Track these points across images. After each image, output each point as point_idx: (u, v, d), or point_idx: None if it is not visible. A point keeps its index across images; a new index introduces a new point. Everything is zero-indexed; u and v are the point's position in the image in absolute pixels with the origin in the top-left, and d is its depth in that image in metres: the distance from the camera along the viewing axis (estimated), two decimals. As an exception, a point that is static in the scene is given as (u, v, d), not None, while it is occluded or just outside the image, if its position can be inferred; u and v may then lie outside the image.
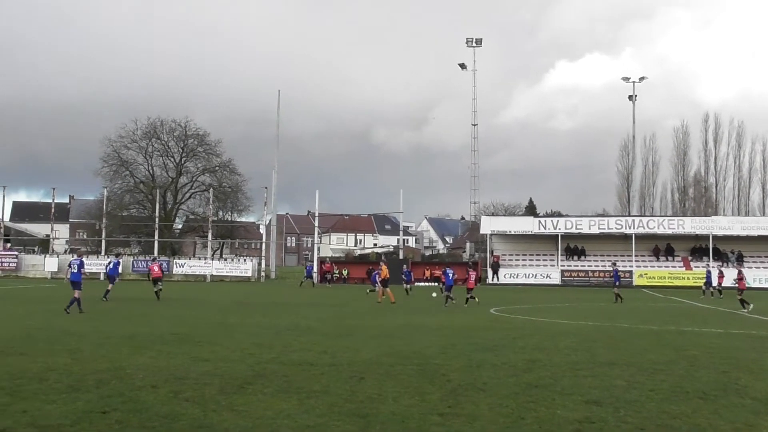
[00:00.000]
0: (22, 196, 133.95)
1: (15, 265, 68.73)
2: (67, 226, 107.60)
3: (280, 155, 75.89)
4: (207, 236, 75.48)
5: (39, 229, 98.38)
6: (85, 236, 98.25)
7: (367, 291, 41.89)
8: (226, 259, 73.84)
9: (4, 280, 63.02)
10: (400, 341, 17.01)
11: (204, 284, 60.80)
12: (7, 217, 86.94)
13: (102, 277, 60.65)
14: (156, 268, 35.63)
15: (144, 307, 28.77)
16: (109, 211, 76.45)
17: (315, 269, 62.36)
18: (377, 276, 37.72)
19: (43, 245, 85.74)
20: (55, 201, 78.48)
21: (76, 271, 25.24)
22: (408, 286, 45.56)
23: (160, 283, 34.81)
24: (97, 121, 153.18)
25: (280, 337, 17.64)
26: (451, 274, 33.20)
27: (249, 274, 67.78)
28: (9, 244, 79.64)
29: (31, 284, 54.16)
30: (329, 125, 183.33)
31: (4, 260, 69.90)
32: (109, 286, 33.14)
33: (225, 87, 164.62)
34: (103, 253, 71.07)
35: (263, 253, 74.70)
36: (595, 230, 67.49)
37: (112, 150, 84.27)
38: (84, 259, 25.83)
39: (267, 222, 79.49)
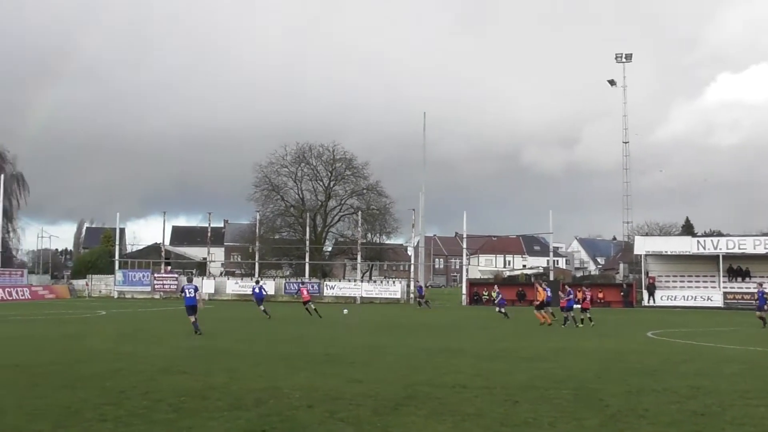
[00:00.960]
0: (182, 221, 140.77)
1: (176, 287, 72.17)
2: (223, 249, 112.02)
3: (427, 177, 76.36)
4: (356, 258, 76.73)
5: (196, 253, 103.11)
6: (239, 259, 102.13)
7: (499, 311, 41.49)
8: (375, 281, 74.82)
9: (166, 301, 66.36)
10: (553, 364, 16.70)
11: (353, 306, 61.78)
12: (167, 241, 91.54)
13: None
14: (305, 292, 37.57)
15: (297, 328, 29.51)
16: (262, 234, 79.08)
17: (464, 290, 62.04)
18: (503, 301, 39.68)
19: (201, 268, 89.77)
20: (211, 225, 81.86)
21: (191, 295, 25.57)
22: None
23: (310, 304, 36.67)
24: (249, 148, 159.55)
25: (431, 358, 17.68)
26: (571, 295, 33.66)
27: (398, 295, 68.37)
28: (170, 267, 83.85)
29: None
30: (477, 145, 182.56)
31: (165, 282, 73.58)
32: (261, 307, 35.72)
33: (373, 110, 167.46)
34: (256, 274, 73.60)
35: (412, 275, 75.26)
36: (761, 250, 64.00)
37: (263, 175, 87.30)
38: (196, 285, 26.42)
39: (415, 244, 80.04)
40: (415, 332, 28.08)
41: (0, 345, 19.85)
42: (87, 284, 77.20)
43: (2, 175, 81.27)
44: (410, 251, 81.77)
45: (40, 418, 9.46)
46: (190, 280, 27.85)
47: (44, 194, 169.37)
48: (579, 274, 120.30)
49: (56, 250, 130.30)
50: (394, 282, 72.35)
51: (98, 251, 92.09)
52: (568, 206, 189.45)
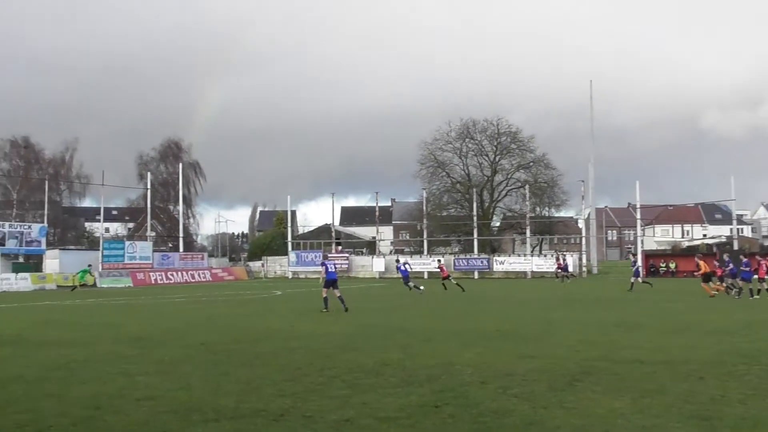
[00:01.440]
0: (350, 202, 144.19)
1: (347, 266, 73.95)
2: (391, 227, 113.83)
3: (596, 147, 74.37)
4: (525, 233, 75.85)
5: (365, 232, 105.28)
6: (407, 237, 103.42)
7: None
8: (545, 255, 73.74)
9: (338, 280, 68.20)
10: (741, 338, 15.85)
11: (524, 281, 61.20)
12: (337, 222, 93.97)
13: (426, 275, 63.49)
14: (444, 269, 41.68)
15: (467, 304, 29.54)
16: (429, 211, 79.63)
17: (640, 264, 60.10)
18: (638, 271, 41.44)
19: (370, 247, 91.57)
20: (379, 204, 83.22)
21: (333, 270, 26.28)
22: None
23: (450, 280, 40.18)
24: (414, 126, 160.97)
25: (606, 333, 17.22)
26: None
27: (570, 269, 67.13)
28: (340, 247, 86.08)
29: (362, 284, 57.97)
30: (648, 113, 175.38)
31: (337, 262, 75.62)
32: (410, 284, 37.67)
33: (538, 83, 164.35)
34: (425, 252, 74.23)
35: (583, 248, 73.63)
36: None
37: (429, 152, 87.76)
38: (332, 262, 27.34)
39: (586, 216, 78.23)
40: (588, 306, 27.45)
41: (186, 325, 21.00)
42: (263, 265, 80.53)
43: (180, 164, 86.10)
44: (581, 224, 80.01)
45: (223, 394, 9.92)
46: (325, 257, 28.43)
47: (219, 180, 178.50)
48: None
49: (233, 233, 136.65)
50: (565, 256, 71.00)
51: (272, 233, 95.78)
52: (752, 171, 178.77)
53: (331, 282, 25.84)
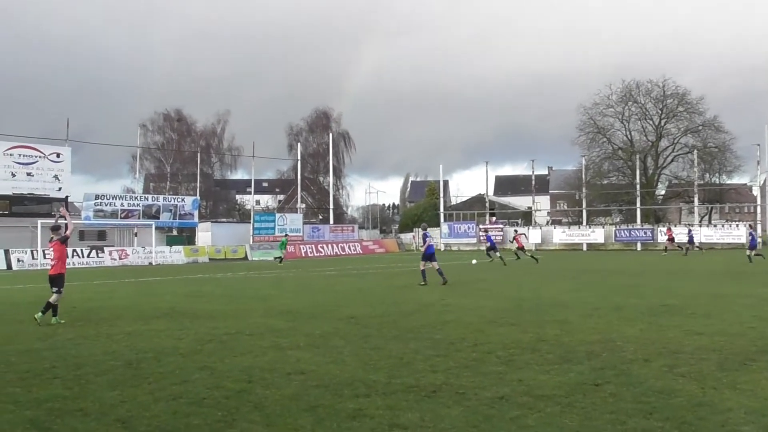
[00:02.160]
0: (506, 170, 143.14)
1: (501, 237, 73.54)
2: (548, 197, 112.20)
3: (775, 106, 70.24)
4: (692, 201, 73.00)
5: (520, 202, 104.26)
6: (565, 207, 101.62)
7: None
8: (715, 226, 70.73)
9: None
10: None
11: (691, 252, 58.94)
12: (491, 192, 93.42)
13: (585, 247, 62.28)
14: (521, 239, 44.03)
15: (628, 278, 28.76)
16: (588, 180, 77.89)
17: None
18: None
19: (526, 217, 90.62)
20: (535, 173, 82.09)
21: (432, 243, 27.18)
22: None
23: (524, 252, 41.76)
24: (572, 90, 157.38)
25: (786, 309, 16.36)
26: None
27: (742, 240, 64.06)
28: (494, 218, 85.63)
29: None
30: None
31: (492, 234, 75.31)
32: (497, 253, 40.96)
33: (712, 40, 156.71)
34: (584, 222, 72.77)
35: (758, 218, 70.09)
36: None
37: (588, 117, 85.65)
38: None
39: (761, 183, 74.37)
40: (764, 280, 26.13)
41: (337, 298, 21.48)
42: (414, 237, 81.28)
43: (330, 134, 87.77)
44: (755, 191, 76.13)
45: (374, 369, 10.09)
46: (425, 228, 28.65)
47: (370, 150, 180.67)
48: None
49: (383, 205, 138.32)
50: (737, 225, 67.86)
51: (423, 204, 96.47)
52: None
53: (428, 256, 26.70)
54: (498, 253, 41.53)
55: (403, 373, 9.74)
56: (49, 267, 16.58)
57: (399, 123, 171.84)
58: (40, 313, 15.87)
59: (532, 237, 71.80)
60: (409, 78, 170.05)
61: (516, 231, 53.98)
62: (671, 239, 55.72)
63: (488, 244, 46.79)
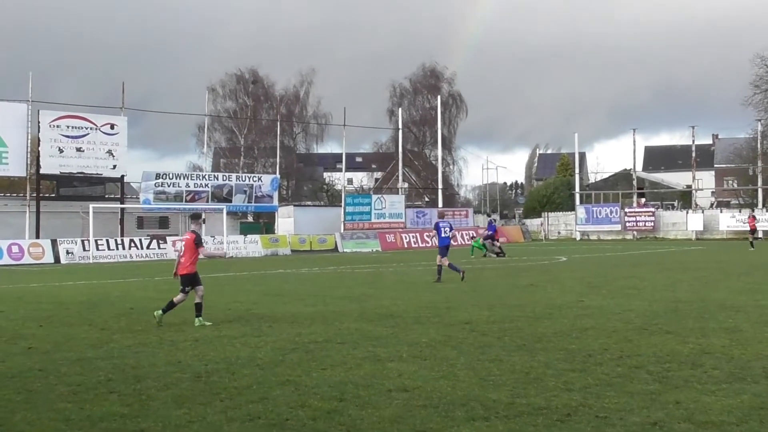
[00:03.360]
0: (661, 140, 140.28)
1: (652, 224, 72.28)
2: (712, 173, 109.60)
3: None
4: None
5: (677, 179, 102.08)
6: (735, 185, 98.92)
7: None
8: None
9: (641, 242, 66.87)
10: None
11: None
12: (639, 167, 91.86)
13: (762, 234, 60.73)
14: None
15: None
16: (765, 150, 75.72)
17: None
18: None
19: (684, 198, 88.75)
20: (696, 143, 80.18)
21: (446, 235, 28.61)
22: None
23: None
24: (747, 39, 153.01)
25: None
26: None
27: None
28: (644, 199, 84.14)
29: (672, 246, 56.47)
30: None
31: (639, 219, 74.02)
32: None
33: None
34: (759, 205, 70.78)
35: None
36: None
37: (765, 71, 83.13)
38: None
39: None
40: None
41: (447, 299, 21.49)
42: (542, 224, 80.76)
43: (438, 97, 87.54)
44: None
45: (494, 386, 10.07)
46: (441, 216, 28.93)
47: (489, 117, 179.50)
48: None
49: (504, 183, 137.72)
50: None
51: (554, 183, 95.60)
52: None
53: (444, 249, 28.35)
54: (498, 243, 42.99)
55: (530, 392, 9.70)
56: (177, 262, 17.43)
57: (527, 83, 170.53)
58: (197, 319, 16.91)
59: (692, 223, 70.29)
60: (542, 26, 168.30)
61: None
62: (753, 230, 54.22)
63: (489, 232, 48.22)
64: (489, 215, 53.97)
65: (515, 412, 8.79)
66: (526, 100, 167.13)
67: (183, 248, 17.28)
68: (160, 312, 16.92)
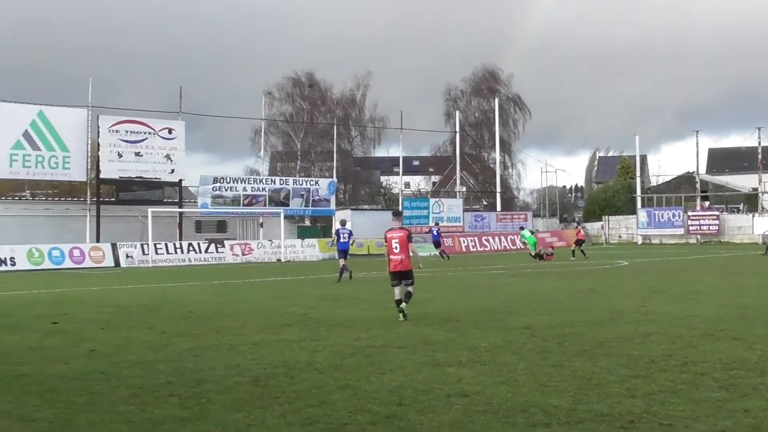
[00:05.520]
0: (728, 141, 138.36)
1: (716, 228, 71.41)
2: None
3: None
4: None
5: (742, 182, 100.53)
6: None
7: None
8: None
9: (704, 247, 66.06)
10: None
11: None
12: (702, 169, 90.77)
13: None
14: None
15: None
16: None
17: None
18: None
19: (750, 202, 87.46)
20: (763, 144, 78.90)
21: (345, 240, 32.59)
22: None
23: None
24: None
25: None
26: None
27: None
28: (707, 203, 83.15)
29: (738, 251, 55.73)
30: None
31: (702, 222, 73.18)
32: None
33: None
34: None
35: None
36: None
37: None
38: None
39: None
40: None
41: (507, 303, 21.44)
42: (602, 227, 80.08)
43: (496, 99, 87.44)
44: None
45: (555, 392, 9.99)
46: (343, 224, 33.59)
47: (549, 120, 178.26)
48: None
49: (564, 187, 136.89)
50: None
51: (614, 186, 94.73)
52: None
53: (341, 252, 32.66)
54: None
55: (592, 398, 9.62)
56: (387, 260, 18.45)
57: (592, 85, 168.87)
58: (404, 305, 17.99)
59: (759, 226, 69.32)
60: (602, 26, 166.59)
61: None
62: None
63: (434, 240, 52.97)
64: (437, 224, 56.93)
65: (577, 418, 8.72)
66: (591, 102, 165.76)
67: (398, 245, 18.07)
68: (402, 313, 17.84)
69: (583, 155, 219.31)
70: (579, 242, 49.61)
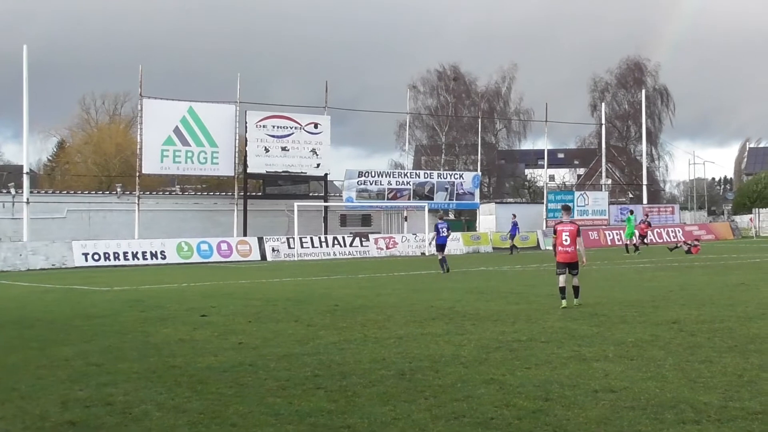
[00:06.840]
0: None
1: None
2: None
3: None
4: None
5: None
6: None
7: None
8: None
9: None
10: None
11: None
12: None
13: None
14: None
15: None
16: None
17: None
18: None
19: None
20: None
21: (444, 234, 34.65)
22: None
23: None
24: None
25: None
26: None
27: None
28: None
29: None
30: None
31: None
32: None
33: None
34: None
35: None
36: None
37: None
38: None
39: None
40: None
41: (654, 297, 21.11)
42: (752, 220, 77.81)
43: (643, 91, 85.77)
44: None
45: (705, 388, 9.83)
46: (441, 218, 33.11)
47: (699, 110, 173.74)
48: None
49: (712, 179, 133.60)
50: None
51: (765, 178, 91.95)
52: None
53: (439, 246, 34.66)
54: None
55: (744, 395, 9.42)
56: (554, 251, 19.74)
57: (743, 74, 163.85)
58: (574, 300, 19.13)
59: None
60: (763, 13, 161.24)
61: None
62: None
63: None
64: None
65: (728, 416, 8.54)
66: (744, 92, 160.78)
67: (568, 238, 19.14)
68: (564, 299, 18.96)
69: (735, 146, 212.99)
70: (642, 237, 49.64)
